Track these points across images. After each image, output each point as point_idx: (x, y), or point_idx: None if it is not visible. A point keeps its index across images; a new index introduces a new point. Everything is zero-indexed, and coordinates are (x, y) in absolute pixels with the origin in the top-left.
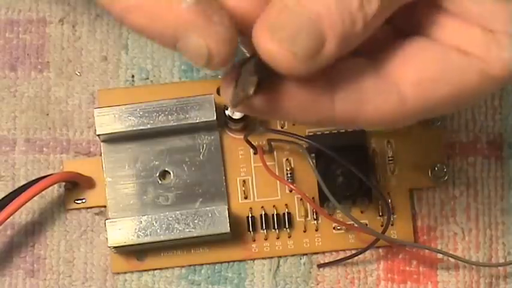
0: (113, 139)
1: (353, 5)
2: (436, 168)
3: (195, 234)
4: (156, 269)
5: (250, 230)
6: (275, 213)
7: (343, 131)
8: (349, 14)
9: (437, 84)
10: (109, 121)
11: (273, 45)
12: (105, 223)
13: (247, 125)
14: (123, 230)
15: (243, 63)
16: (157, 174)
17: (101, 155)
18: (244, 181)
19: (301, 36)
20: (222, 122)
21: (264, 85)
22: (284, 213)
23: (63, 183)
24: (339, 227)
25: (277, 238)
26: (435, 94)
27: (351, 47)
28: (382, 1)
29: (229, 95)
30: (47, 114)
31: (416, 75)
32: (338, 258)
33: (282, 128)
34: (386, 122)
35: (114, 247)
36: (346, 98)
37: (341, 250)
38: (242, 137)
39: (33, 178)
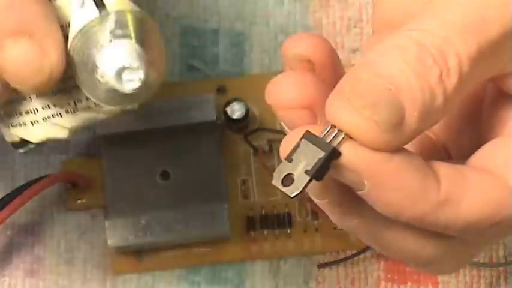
0: (113, 139)
1: (432, 79)
2: None
3: (195, 234)
4: (156, 269)
5: (250, 230)
6: (275, 213)
7: None
8: (429, 88)
9: None
10: (109, 121)
11: (354, 114)
12: (104, 223)
13: (247, 125)
14: (123, 230)
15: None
16: (158, 174)
17: (100, 155)
18: (244, 181)
19: (381, 105)
20: (222, 122)
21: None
22: (284, 213)
23: (63, 183)
24: (339, 227)
25: (277, 238)
26: None
27: (431, 123)
28: (461, 76)
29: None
30: None
31: None
32: (338, 258)
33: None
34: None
35: (114, 247)
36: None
37: (341, 250)
38: (242, 137)
39: (33, 178)
